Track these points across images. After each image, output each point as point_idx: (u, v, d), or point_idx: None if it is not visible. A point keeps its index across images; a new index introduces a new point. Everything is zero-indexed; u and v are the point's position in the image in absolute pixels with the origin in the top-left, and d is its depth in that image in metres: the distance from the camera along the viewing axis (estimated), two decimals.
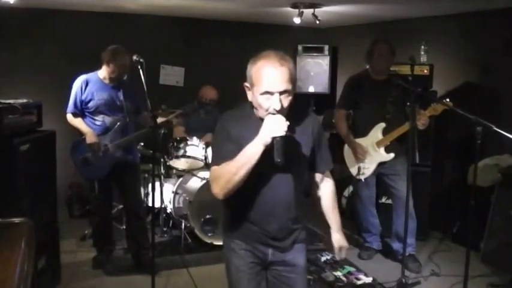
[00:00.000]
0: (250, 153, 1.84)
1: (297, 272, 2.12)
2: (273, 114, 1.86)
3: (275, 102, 1.86)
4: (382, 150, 3.94)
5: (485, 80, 4.51)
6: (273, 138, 1.82)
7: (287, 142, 1.88)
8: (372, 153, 3.97)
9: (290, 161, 1.94)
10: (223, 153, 1.93)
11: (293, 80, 1.90)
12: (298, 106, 2.04)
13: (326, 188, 2.23)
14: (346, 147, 4.11)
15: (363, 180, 4.03)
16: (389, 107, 3.88)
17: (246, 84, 1.98)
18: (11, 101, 3.11)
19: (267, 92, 1.86)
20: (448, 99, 3.49)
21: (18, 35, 5.08)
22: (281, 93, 1.87)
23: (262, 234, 2.05)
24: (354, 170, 4.05)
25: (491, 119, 2.80)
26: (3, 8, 4.58)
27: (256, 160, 1.83)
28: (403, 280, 3.35)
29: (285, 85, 1.86)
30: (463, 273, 2.95)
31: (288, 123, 1.84)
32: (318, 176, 2.22)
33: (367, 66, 4.03)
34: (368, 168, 4.00)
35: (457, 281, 3.57)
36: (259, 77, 1.87)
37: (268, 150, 1.84)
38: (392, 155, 3.91)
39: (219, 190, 1.93)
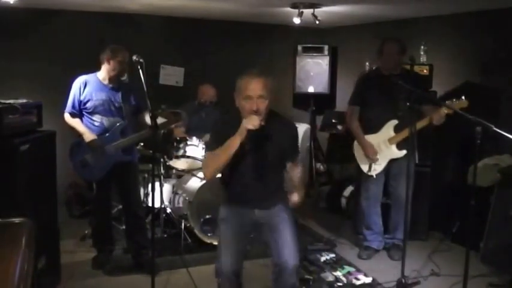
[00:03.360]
0: (231, 142, 2.48)
1: (282, 219, 2.71)
2: (252, 114, 2.47)
3: (253, 104, 2.49)
4: (394, 147, 3.95)
5: (485, 80, 4.51)
6: (248, 131, 2.44)
7: (265, 136, 2.58)
8: (384, 149, 3.98)
9: (267, 150, 2.63)
10: (214, 147, 2.58)
11: (268, 88, 2.52)
12: (282, 117, 2.75)
13: (295, 171, 2.82)
14: (356, 143, 4.11)
15: (374, 176, 4.03)
16: (401, 104, 3.87)
17: (235, 93, 2.60)
18: (11, 101, 3.10)
19: (247, 96, 2.50)
20: (463, 97, 3.52)
21: (18, 35, 5.08)
22: (258, 97, 2.49)
23: (247, 200, 2.70)
24: (365, 167, 4.05)
25: (491, 119, 2.80)
26: (3, 8, 4.58)
27: (236, 147, 2.47)
28: (403, 280, 3.36)
29: (260, 91, 2.50)
30: (463, 273, 2.96)
31: (261, 121, 2.47)
32: (288, 166, 2.81)
33: (374, 66, 4.05)
34: (380, 164, 4.01)
35: (457, 281, 3.57)
36: (243, 86, 2.52)
37: (251, 142, 2.55)
38: (404, 151, 3.90)
39: (206, 170, 2.70)
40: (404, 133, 3.86)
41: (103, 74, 3.71)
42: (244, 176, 2.66)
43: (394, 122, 3.94)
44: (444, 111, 3.65)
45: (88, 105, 3.68)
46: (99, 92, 3.69)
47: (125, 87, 3.82)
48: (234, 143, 2.47)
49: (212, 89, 5.09)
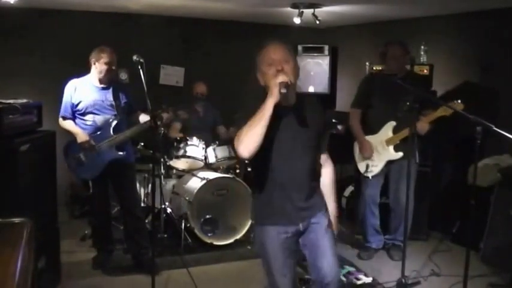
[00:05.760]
0: (264, 108, 2.10)
1: (321, 229, 2.39)
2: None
3: (278, 64, 2.19)
4: (391, 148, 3.95)
5: (485, 80, 4.51)
6: (280, 85, 2.10)
7: (298, 116, 2.26)
8: (381, 151, 3.98)
9: (303, 137, 2.28)
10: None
11: (292, 55, 2.27)
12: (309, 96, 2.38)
13: (327, 169, 2.53)
14: (355, 143, 4.13)
15: (370, 177, 4.04)
16: (402, 106, 3.88)
17: (258, 74, 2.30)
18: (11, 101, 3.11)
19: (271, 61, 2.22)
20: (459, 101, 3.52)
21: (18, 35, 5.08)
22: (282, 61, 2.21)
23: (289, 207, 2.30)
24: (362, 167, 4.06)
25: (491, 119, 2.80)
26: (3, 8, 4.58)
27: (270, 110, 2.09)
28: (403, 280, 3.35)
29: (284, 55, 2.23)
30: (463, 273, 2.95)
31: (289, 82, 2.13)
32: (321, 158, 2.49)
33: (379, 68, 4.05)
34: (376, 166, 4.01)
35: (457, 281, 3.57)
36: (264, 54, 2.25)
37: (283, 129, 2.23)
38: (400, 153, 3.91)
39: (242, 147, 2.14)
40: (401, 134, 3.87)
41: (93, 76, 3.75)
42: (281, 174, 2.27)
43: (393, 123, 3.94)
44: (425, 122, 3.70)
45: (79, 107, 3.70)
46: (91, 94, 3.71)
47: (116, 85, 3.85)
48: (268, 105, 2.10)
49: (204, 85, 5.22)
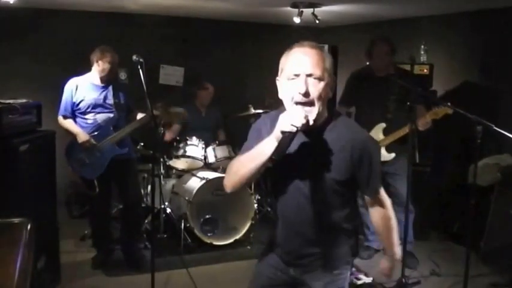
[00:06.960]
0: (262, 147, 1.71)
1: None
2: (298, 103, 1.70)
3: (300, 84, 1.69)
4: (383, 150, 3.94)
5: (485, 80, 4.51)
6: (283, 133, 1.64)
7: (320, 145, 1.78)
8: None
9: (315, 176, 1.80)
10: (246, 149, 1.84)
11: (325, 67, 1.74)
12: (352, 123, 1.93)
13: (375, 214, 1.99)
14: None
15: None
16: (390, 106, 3.87)
17: (278, 77, 1.82)
18: (11, 101, 3.11)
19: (294, 75, 1.72)
20: (449, 103, 3.49)
21: (18, 35, 5.08)
22: (308, 76, 1.71)
23: (283, 252, 1.97)
24: None
25: (491, 119, 2.80)
26: (3, 8, 4.57)
27: (267, 155, 1.69)
28: (403, 280, 3.35)
29: (313, 68, 1.71)
30: (463, 273, 2.95)
31: (311, 118, 1.68)
32: (366, 199, 1.97)
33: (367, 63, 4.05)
34: None
35: (457, 280, 3.57)
36: (288, 61, 1.75)
37: (296, 155, 1.77)
38: (393, 154, 3.91)
39: (226, 181, 1.86)
40: (394, 137, 3.85)
41: (94, 74, 3.77)
42: (285, 208, 1.90)
43: (382, 125, 3.92)
44: (427, 117, 3.59)
45: (81, 105, 3.72)
46: (92, 92, 3.73)
47: (115, 84, 3.88)
48: (266, 148, 1.69)
49: (211, 86, 5.22)
